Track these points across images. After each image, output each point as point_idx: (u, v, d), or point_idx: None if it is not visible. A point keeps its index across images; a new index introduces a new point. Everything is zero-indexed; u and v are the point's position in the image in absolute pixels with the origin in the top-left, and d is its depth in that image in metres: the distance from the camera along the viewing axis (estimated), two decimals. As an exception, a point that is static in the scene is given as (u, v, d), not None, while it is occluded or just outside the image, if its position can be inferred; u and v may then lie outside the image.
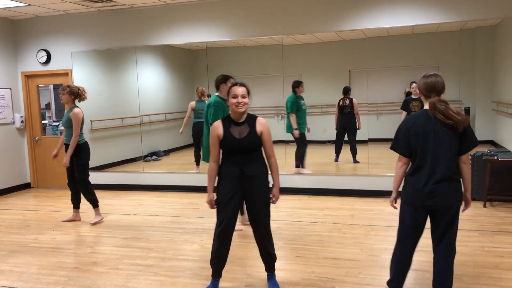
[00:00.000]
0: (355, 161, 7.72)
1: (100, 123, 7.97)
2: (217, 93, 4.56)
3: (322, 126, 9.42)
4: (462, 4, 5.53)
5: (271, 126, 3.39)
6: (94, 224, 5.14)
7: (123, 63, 8.59)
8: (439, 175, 2.71)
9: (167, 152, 9.57)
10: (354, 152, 7.77)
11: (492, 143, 9.02)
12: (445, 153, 2.71)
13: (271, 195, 3.23)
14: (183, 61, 10.28)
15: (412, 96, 7.53)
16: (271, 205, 3.25)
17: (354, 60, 9.20)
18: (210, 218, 5.11)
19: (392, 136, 8.86)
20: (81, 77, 7.40)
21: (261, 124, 3.20)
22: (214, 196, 3.22)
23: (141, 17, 6.79)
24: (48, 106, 10.30)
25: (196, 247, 4.24)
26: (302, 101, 7.06)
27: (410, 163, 2.86)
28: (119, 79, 8.67)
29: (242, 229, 4.62)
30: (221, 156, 3.32)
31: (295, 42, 7.65)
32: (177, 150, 9.55)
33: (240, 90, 3.13)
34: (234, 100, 3.12)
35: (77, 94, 5.19)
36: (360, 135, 7.85)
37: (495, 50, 8.92)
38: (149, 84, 9.19)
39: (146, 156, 8.79)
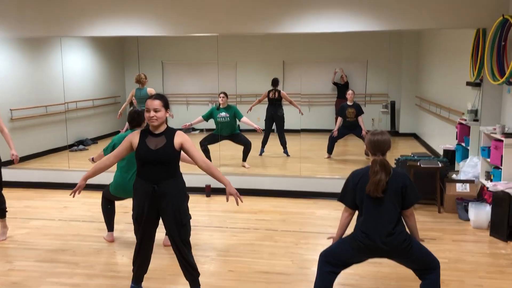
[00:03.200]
0: (285, 152, 7.87)
1: (21, 112, 7.49)
2: None
3: (256, 115, 9.46)
4: (390, 15, 5.67)
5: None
6: (3, 240, 4.58)
7: (47, 49, 8.07)
8: (386, 231, 2.80)
9: (95, 140, 9.21)
10: (283, 143, 7.93)
11: (414, 135, 9.57)
12: (388, 209, 2.82)
13: (229, 196, 3.23)
14: (112, 45, 9.83)
15: (348, 103, 7.71)
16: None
17: (288, 52, 9.30)
18: (141, 225, 4.99)
19: (322, 127, 9.12)
20: (-1, 66, 6.86)
21: (180, 136, 3.17)
22: (84, 183, 3.31)
23: (67, 5, 6.31)
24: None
25: (125, 261, 4.12)
26: (222, 113, 7.04)
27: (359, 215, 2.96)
28: (43, 65, 8.14)
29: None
30: None
31: (231, 33, 7.55)
32: (106, 137, 9.22)
33: (153, 103, 3.10)
34: (147, 114, 3.10)
35: None
36: (292, 125, 8.02)
37: (420, 50, 9.37)
38: (75, 70, 8.72)
39: (72, 146, 8.40)
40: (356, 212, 3.02)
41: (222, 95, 7.08)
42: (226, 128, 7.13)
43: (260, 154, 8.02)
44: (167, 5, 6.12)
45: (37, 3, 6.40)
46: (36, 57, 7.95)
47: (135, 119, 4.30)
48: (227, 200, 3.29)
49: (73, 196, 3.33)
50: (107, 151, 4.34)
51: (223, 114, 7.05)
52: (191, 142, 3.20)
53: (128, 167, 4.24)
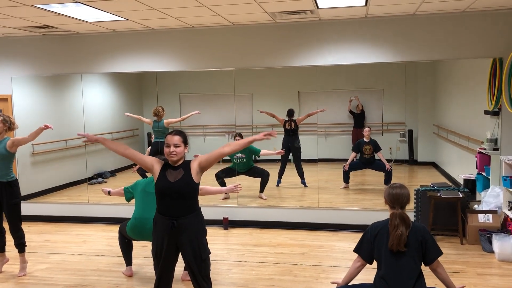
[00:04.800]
0: (303, 183, 7.84)
1: (42, 146, 7.61)
2: None
3: (272, 145, 9.48)
4: (406, 47, 5.72)
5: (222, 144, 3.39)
6: (23, 275, 4.61)
7: (68, 85, 8.27)
8: (407, 287, 2.73)
9: (113, 173, 9.29)
10: (301, 174, 7.91)
11: (433, 164, 9.43)
12: (408, 264, 2.76)
13: (265, 138, 3.21)
14: (131, 79, 10.02)
15: (365, 139, 7.72)
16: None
17: (303, 83, 9.35)
18: (159, 259, 4.98)
19: (340, 156, 9.04)
20: (22, 102, 7.04)
21: (193, 161, 3.22)
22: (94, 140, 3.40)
23: (87, 43, 6.54)
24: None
25: (145, 297, 4.10)
26: (238, 154, 7.13)
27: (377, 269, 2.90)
28: (63, 100, 8.33)
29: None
30: None
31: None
32: (124, 169, 9.31)
33: (174, 139, 3.16)
34: (167, 150, 3.15)
35: (10, 124, 4.63)
36: (309, 155, 7.99)
37: (436, 78, 9.34)
38: (95, 104, 8.89)
39: (91, 178, 8.49)
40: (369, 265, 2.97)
41: (238, 137, 7.14)
42: (242, 166, 7.21)
43: (277, 185, 8.00)
44: (184, 41, 6.28)
45: (59, 43, 6.62)
46: (57, 92, 8.15)
47: None
48: (269, 137, 3.26)
49: (80, 136, 3.46)
50: (127, 190, 4.38)
51: (239, 155, 7.11)
52: (205, 155, 3.24)
53: (145, 209, 4.20)
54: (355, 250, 2.96)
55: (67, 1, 4.55)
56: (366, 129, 7.78)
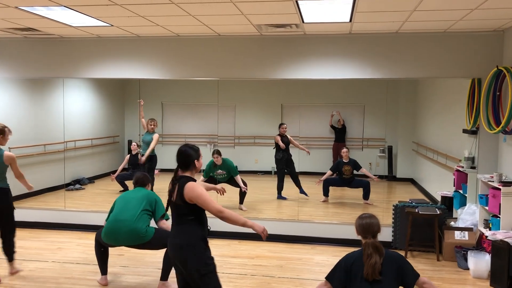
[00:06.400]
0: (302, 192, 7.82)
1: (20, 150, 7.46)
2: None
3: (254, 157, 9.52)
4: (387, 64, 5.82)
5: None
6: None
7: (49, 89, 8.17)
8: None
9: (91, 180, 9.16)
10: (297, 183, 7.91)
11: (411, 181, 9.55)
12: None
13: None
14: (114, 86, 9.95)
15: (344, 160, 7.78)
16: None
17: (286, 96, 9.43)
18: (135, 268, 4.91)
19: (320, 170, 9.04)
20: (0, 104, 6.92)
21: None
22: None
23: (70, 47, 6.47)
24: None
25: (119, 307, 4.03)
26: (219, 170, 7.12)
27: None
28: (44, 104, 8.22)
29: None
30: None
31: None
32: (103, 176, 9.20)
33: None
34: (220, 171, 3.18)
35: (3, 133, 4.61)
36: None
37: (417, 96, 9.51)
38: (75, 109, 8.78)
39: (69, 184, 8.35)
40: None
41: (216, 155, 7.05)
42: (223, 180, 7.20)
43: (280, 198, 7.97)
44: (169, 50, 6.27)
45: (42, 46, 6.55)
46: (38, 96, 8.04)
47: (140, 180, 4.46)
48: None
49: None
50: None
51: (219, 171, 7.11)
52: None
53: (121, 211, 4.18)
54: (327, 278, 2.93)
55: (52, 4, 4.51)
56: (344, 150, 7.84)
